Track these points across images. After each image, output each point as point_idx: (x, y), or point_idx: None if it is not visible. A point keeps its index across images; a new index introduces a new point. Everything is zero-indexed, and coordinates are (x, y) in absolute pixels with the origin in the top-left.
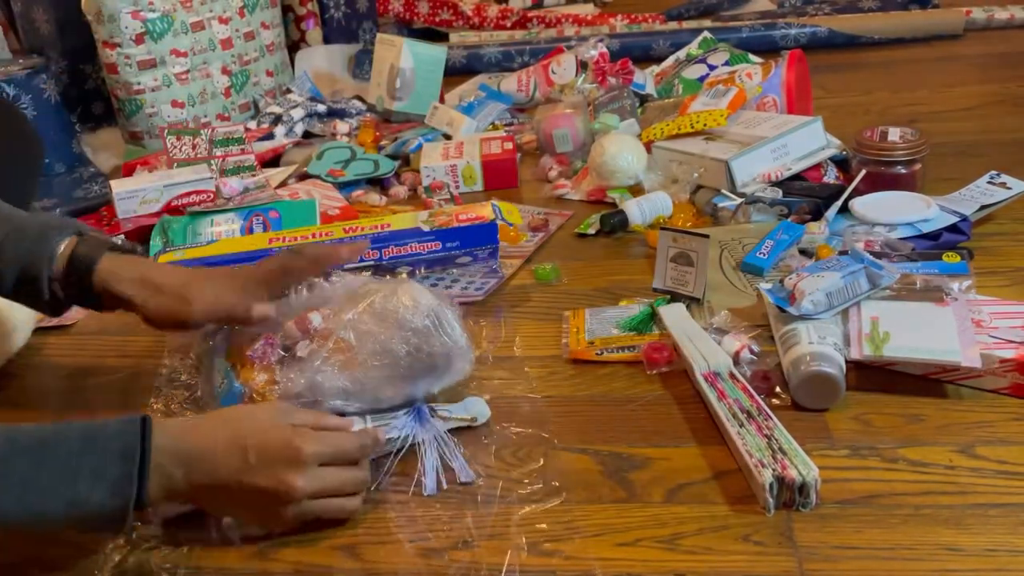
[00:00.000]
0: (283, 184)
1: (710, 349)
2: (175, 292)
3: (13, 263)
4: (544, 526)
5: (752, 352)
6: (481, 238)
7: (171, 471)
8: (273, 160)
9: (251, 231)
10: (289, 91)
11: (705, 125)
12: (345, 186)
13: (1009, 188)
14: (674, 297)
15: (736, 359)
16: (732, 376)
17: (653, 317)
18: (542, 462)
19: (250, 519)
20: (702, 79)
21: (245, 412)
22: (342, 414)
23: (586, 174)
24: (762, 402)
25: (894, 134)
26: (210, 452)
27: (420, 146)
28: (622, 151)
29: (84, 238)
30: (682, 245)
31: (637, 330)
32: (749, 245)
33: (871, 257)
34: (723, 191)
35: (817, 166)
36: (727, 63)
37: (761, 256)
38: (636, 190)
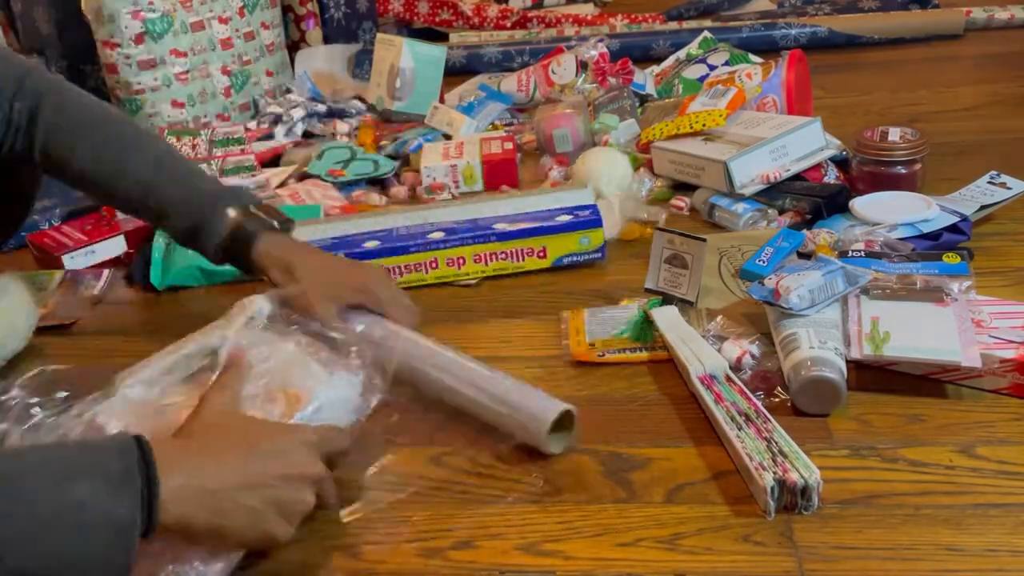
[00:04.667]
0: (283, 184)
1: (705, 351)
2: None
3: (187, 222)
4: (544, 526)
5: (753, 357)
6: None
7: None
8: (273, 160)
9: None
10: (289, 91)
11: (704, 125)
12: (345, 186)
13: (1009, 188)
14: (666, 299)
15: (738, 365)
16: (728, 379)
17: (650, 322)
18: (542, 462)
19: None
20: (702, 79)
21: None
22: None
23: None
24: (760, 404)
25: (894, 134)
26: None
27: (420, 146)
28: (603, 171)
29: (249, 213)
30: (677, 247)
31: (638, 339)
32: (748, 252)
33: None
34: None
35: (817, 166)
36: (727, 63)
37: (761, 263)
38: None
